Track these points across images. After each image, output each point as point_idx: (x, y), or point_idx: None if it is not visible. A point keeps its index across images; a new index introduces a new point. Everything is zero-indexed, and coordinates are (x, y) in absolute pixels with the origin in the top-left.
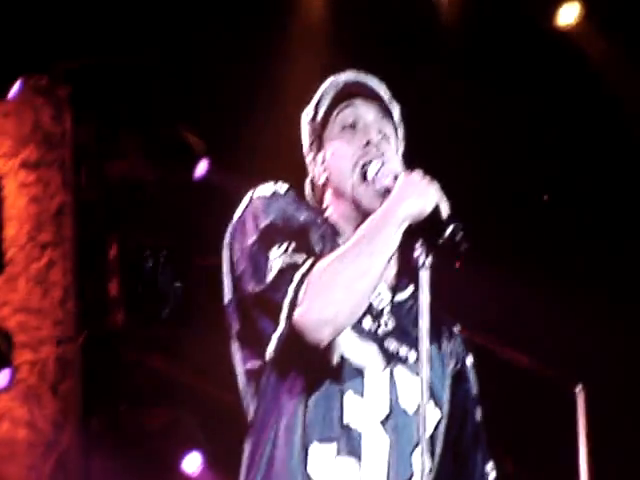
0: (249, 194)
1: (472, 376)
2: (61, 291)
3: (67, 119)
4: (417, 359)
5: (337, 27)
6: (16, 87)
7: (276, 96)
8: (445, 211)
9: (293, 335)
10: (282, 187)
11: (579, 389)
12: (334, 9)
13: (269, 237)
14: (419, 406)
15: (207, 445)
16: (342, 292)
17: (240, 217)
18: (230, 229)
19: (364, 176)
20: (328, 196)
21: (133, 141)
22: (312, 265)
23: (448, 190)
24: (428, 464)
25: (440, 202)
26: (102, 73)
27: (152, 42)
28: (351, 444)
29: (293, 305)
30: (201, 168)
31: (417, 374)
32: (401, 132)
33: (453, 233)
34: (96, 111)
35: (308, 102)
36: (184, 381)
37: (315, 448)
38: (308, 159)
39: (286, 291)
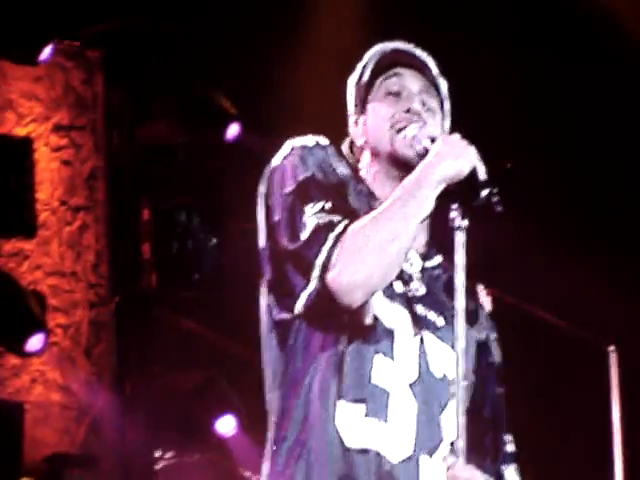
0: (289, 142)
1: (496, 350)
2: (94, 254)
3: (99, 82)
4: (446, 324)
5: None
6: (47, 51)
7: (309, 59)
8: (482, 174)
9: (324, 295)
10: (323, 140)
11: (612, 349)
12: None
13: (307, 190)
14: (446, 372)
15: (241, 407)
16: (374, 255)
17: (279, 165)
18: (267, 174)
19: (400, 133)
20: (366, 157)
21: (165, 104)
22: (346, 227)
23: (487, 154)
24: (462, 431)
25: (477, 165)
26: (134, 36)
27: (184, 4)
28: (379, 405)
29: (325, 266)
30: (232, 130)
31: (444, 340)
32: (447, 106)
33: (489, 196)
34: (128, 74)
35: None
36: (218, 343)
37: (344, 406)
38: (351, 121)
39: (319, 251)
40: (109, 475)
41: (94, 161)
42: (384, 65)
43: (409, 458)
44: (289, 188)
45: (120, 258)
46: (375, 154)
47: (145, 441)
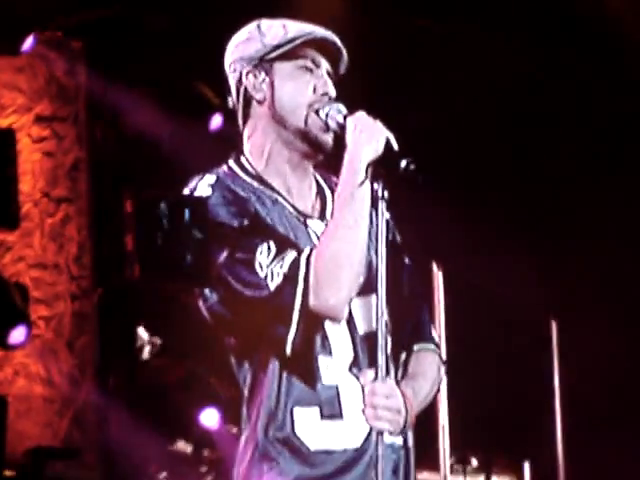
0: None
1: (395, 230)
2: (76, 246)
3: (81, 73)
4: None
5: None
6: (29, 42)
7: None
8: (395, 145)
9: (306, 333)
10: (210, 178)
11: (553, 323)
12: None
13: (244, 244)
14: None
15: (224, 400)
16: (347, 269)
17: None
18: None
19: (317, 114)
20: (259, 115)
21: (147, 95)
22: (308, 258)
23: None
24: (382, 345)
25: (389, 137)
26: (116, 25)
27: None
28: (331, 403)
29: (304, 306)
30: (216, 121)
31: (365, 292)
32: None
33: (407, 165)
34: (110, 64)
35: None
36: (201, 335)
37: (299, 412)
38: (242, 70)
39: (292, 293)
40: (92, 468)
41: (76, 152)
42: (307, 43)
43: (368, 435)
44: (223, 254)
45: (103, 250)
46: (279, 121)
47: (128, 434)
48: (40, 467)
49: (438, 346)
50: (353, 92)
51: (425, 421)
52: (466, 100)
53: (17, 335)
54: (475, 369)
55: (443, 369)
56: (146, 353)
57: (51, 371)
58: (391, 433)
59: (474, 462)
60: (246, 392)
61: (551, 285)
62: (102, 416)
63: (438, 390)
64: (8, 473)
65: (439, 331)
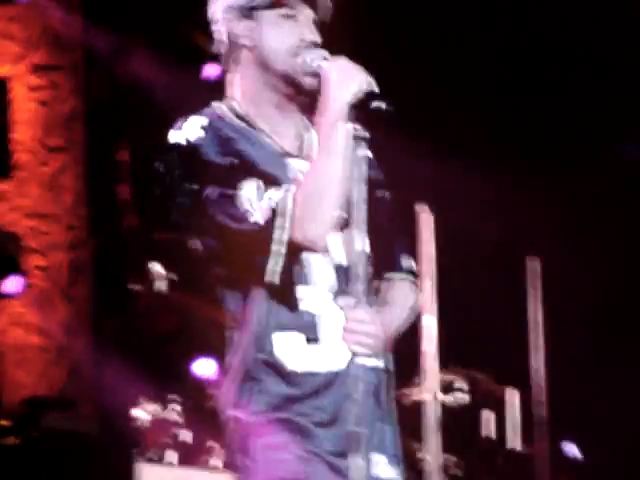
0: (172, 139)
1: (372, 165)
2: (72, 196)
3: (77, 22)
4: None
5: None
6: None
7: None
8: (374, 87)
9: (289, 262)
10: (200, 119)
11: (533, 259)
12: None
13: (232, 181)
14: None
15: (220, 349)
16: (328, 204)
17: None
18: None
19: (301, 59)
20: (244, 59)
21: (143, 44)
22: (292, 193)
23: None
24: (362, 272)
25: (369, 81)
26: None
27: None
28: (313, 328)
29: (288, 235)
30: (212, 70)
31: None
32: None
33: (385, 107)
34: (106, 14)
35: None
36: (197, 284)
37: (282, 336)
38: (230, 18)
39: (276, 226)
40: (87, 418)
41: (72, 102)
42: None
43: (347, 359)
44: (213, 190)
45: (98, 200)
46: (265, 66)
47: (124, 384)
48: (36, 417)
49: (415, 275)
50: (337, 39)
51: (413, 348)
52: (450, 45)
53: (10, 285)
54: (461, 305)
55: (420, 297)
56: (163, 287)
57: (47, 321)
58: (369, 357)
59: (462, 386)
60: (235, 319)
61: (534, 221)
62: (98, 366)
63: (414, 316)
64: (4, 422)
65: (430, 269)
